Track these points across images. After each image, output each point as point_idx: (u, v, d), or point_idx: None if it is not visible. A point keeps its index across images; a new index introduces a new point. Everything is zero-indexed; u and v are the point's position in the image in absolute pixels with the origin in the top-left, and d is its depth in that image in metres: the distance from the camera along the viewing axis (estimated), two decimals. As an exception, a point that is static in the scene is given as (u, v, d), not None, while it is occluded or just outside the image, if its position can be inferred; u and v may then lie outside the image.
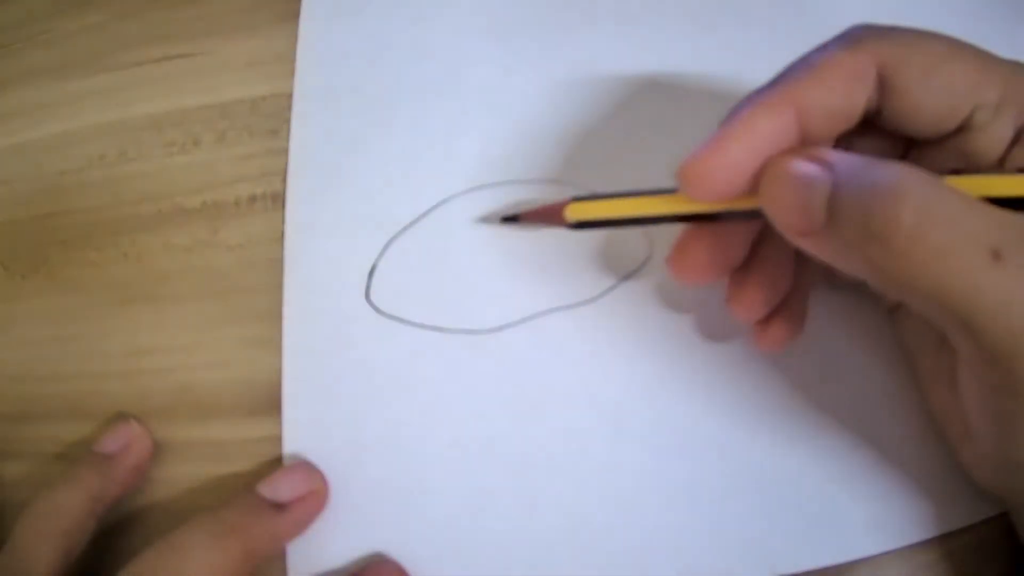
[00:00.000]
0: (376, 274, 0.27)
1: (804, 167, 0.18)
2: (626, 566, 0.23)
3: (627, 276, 0.25)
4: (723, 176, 0.19)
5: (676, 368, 0.24)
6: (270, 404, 0.26)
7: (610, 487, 0.24)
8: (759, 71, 0.28)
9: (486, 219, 0.25)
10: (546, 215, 0.23)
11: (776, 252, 0.22)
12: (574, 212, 0.22)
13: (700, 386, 0.24)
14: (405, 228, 0.27)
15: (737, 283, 0.22)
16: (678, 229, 0.22)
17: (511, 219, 0.25)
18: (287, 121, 0.29)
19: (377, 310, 0.26)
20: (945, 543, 0.22)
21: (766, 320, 0.22)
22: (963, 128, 0.19)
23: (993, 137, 0.19)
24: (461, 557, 0.24)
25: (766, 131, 0.19)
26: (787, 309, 0.22)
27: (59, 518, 0.23)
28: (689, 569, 0.23)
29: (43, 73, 0.32)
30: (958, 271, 0.16)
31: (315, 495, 0.24)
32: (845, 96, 0.19)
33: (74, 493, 0.24)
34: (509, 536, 0.24)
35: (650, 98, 0.27)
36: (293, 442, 0.25)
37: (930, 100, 0.19)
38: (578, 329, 0.25)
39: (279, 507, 0.23)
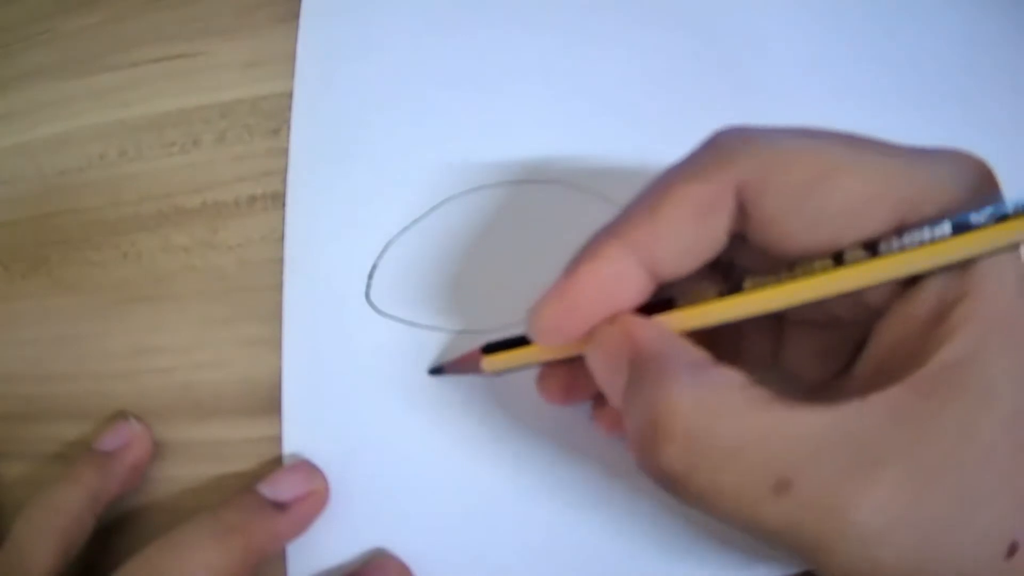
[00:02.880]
0: (376, 274, 0.27)
1: (610, 342, 0.17)
2: (627, 566, 0.23)
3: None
4: (565, 330, 0.18)
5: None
6: (270, 404, 0.26)
7: (611, 487, 0.24)
8: (759, 72, 0.28)
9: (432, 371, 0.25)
10: (464, 364, 0.23)
11: None
12: (489, 364, 0.22)
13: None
14: (405, 228, 0.27)
15: (598, 405, 0.22)
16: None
17: (437, 371, 0.25)
18: (287, 121, 0.29)
19: (377, 310, 0.26)
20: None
21: None
22: None
23: None
24: (461, 557, 0.24)
25: (604, 283, 0.17)
26: None
27: (58, 516, 0.23)
28: (690, 570, 0.23)
29: (43, 73, 0.32)
30: (732, 509, 0.15)
31: (315, 495, 0.24)
32: (694, 236, 0.17)
33: (73, 491, 0.24)
34: (509, 536, 0.24)
35: (651, 99, 0.27)
36: (293, 442, 0.25)
37: (799, 232, 0.16)
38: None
39: (279, 507, 0.23)
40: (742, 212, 0.17)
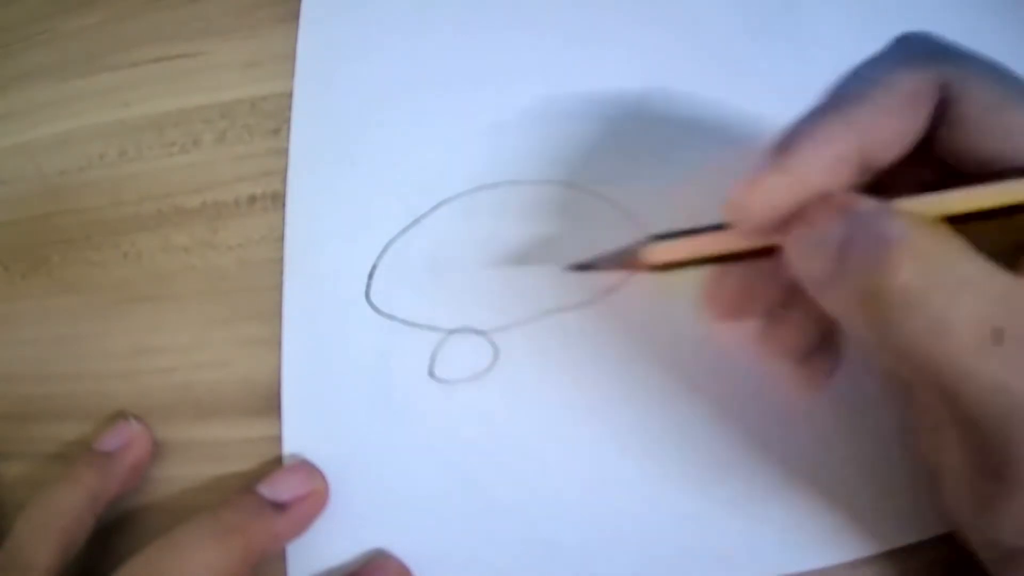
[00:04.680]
0: (376, 274, 0.27)
1: (824, 215, 0.17)
2: (627, 567, 0.23)
3: (630, 277, 0.25)
4: (777, 209, 0.17)
5: (673, 372, 0.24)
6: (270, 404, 0.26)
7: (608, 489, 0.24)
8: (759, 72, 0.28)
9: (567, 267, 0.23)
10: (622, 260, 0.21)
11: None
12: (655, 255, 0.19)
13: (698, 393, 0.24)
14: (405, 228, 0.27)
15: (773, 323, 0.20)
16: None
17: (584, 266, 0.23)
18: (287, 121, 0.29)
19: (377, 310, 0.26)
20: (921, 552, 0.22)
21: (802, 361, 0.20)
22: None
23: None
24: (461, 557, 0.24)
25: (826, 164, 0.17)
26: (823, 350, 0.20)
27: (58, 516, 0.23)
28: (689, 574, 0.23)
29: (43, 73, 0.32)
30: (954, 351, 0.15)
31: (315, 495, 0.24)
32: (906, 122, 0.17)
33: (73, 491, 0.24)
34: (508, 536, 0.24)
35: (655, 99, 0.27)
36: (293, 442, 0.25)
37: (987, 140, 0.17)
38: (580, 330, 0.25)
39: (279, 507, 0.23)
40: (938, 112, 0.17)
